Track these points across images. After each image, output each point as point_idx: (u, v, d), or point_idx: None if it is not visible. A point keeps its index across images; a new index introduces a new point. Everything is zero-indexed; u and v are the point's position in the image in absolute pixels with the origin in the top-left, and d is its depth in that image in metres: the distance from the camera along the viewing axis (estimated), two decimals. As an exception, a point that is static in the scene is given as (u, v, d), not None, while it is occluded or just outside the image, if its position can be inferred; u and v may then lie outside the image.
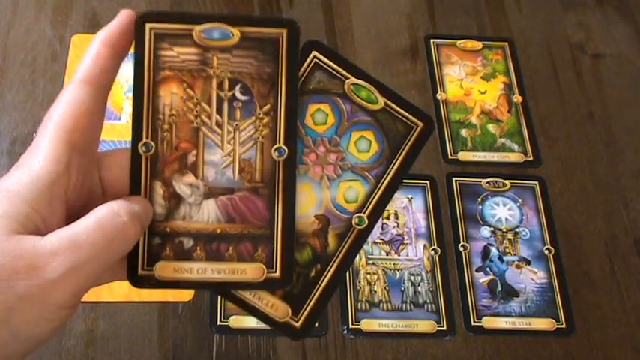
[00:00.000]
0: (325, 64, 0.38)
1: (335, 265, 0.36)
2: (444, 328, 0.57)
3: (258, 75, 0.36)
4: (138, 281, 0.34)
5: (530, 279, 0.59)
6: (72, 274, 0.28)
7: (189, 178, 0.35)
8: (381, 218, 0.57)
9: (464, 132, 0.67)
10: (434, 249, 0.60)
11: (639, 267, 0.61)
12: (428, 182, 0.63)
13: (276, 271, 0.35)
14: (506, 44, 0.73)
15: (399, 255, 0.59)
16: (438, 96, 0.68)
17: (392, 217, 0.61)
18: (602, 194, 0.65)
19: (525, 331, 0.57)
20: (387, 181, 0.38)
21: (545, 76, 0.71)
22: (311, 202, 0.37)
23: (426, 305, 0.57)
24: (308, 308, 0.36)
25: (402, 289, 0.58)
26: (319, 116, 0.38)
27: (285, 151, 0.36)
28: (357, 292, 0.57)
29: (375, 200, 0.37)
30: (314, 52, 0.38)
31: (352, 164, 0.38)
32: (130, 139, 0.35)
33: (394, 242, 0.60)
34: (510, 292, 0.59)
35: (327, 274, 0.36)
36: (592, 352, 0.57)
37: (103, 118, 0.34)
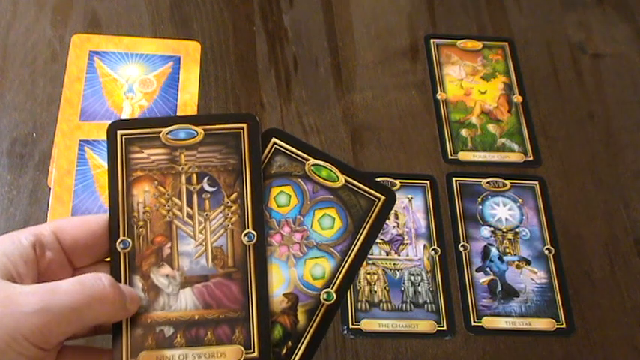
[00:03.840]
0: (285, 149, 0.40)
1: (306, 341, 0.37)
2: (444, 328, 0.57)
3: (223, 167, 0.39)
4: None
5: (530, 279, 0.59)
6: (45, 313, 0.30)
7: (166, 269, 0.37)
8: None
9: (464, 132, 0.67)
10: (434, 249, 0.60)
11: (639, 267, 0.61)
12: (428, 182, 0.63)
13: (254, 352, 0.36)
14: (506, 44, 0.73)
15: (399, 255, 0.59)
16: (438, 96, 0.68)
17: (392, 217, 0.61)
18: (602, 194, 0.65)
19: (525, 331, 0.57)
20: (352, 255, 0.39)
21: (545, 76, 0.71)
22: (279, 281, 0.38)
23: (426, 305, 0.57)
24: None
25: (402, 289, 0.58)
26: (282, 198, 0.40)
27: (254, 235, 0.38)
28: (357, 292, 0.57)
29: (342, 275, 0.38)
30: (273, 139, 0.40)
31: (317, 241, 0.39)
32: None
33: (394, 242, 0.60)
34: (510, 292, 0.59)
35: (298, 350, 0.37)
36: (592, 352, 0.57)
37: (101, 250, 0.37)
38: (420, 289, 0.58)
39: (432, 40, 0.72)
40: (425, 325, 0.57)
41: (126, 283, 0.37)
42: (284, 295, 0.38)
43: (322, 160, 0.40)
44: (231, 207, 0.38)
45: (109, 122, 0.40)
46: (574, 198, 0.64)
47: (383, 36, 0.72)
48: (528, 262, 0.60)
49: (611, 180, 0.66)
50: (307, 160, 0.40)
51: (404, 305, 0.57)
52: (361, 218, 0.39)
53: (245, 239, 0.38)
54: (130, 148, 0.39)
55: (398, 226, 0.61)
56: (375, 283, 0.58)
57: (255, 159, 0.39)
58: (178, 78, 0.65)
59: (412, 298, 0.58)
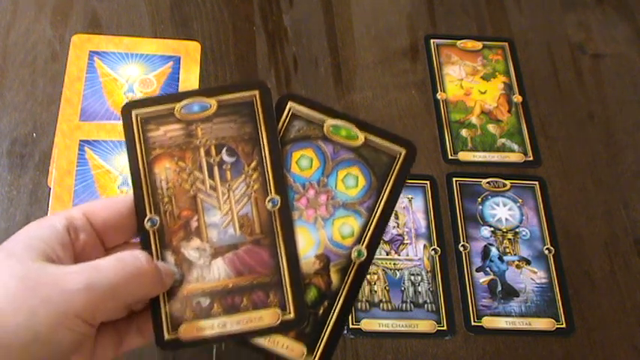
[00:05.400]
0: (302, 112, 0.40)
1: (341, 299, 0.38)
2: (444, 328, 0.57)
3: (240, 136, 0.39)
4: (166, 346, 0.36)
5: (530, 279, 0.59)
6: (90, 290, 0.32)
7: (196, 242, 0.38)
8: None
9: (464, 132, 0.67)
10: (434, 249, 0.60)
11: (639, 267, 0.61)
12: (428, 182, 0.63)
13: (290, 313, 0.37)
14: (506, 44, 0.73)
15: (399, 255, 0.59)
16: (438, 96, 0.68)
17: (392, 217, 0.61)
18: (602, 194, 0.65)
19: (525, 331, 0.57)
20: (379, 211, 0.39)
21: (545, 76, 0.71)
22: (309, 243, 0.39)
23: (426, 305, 0.57)
24: (322, 345, 0.38)
25: (402, 289, 0.58)
26: (304, 162, 0.40)
27: (278, 200, 0.38)
28: (357, 292, 0.57)
29: (370, 231, 0.39)
30: (290, 104, 0.41)
31: (343, 201, 0.39)
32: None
33: (394, 242, 0.60)
34: (510, 292, 0.59)
35: (335, 309, 0.38)
36: (592, 352, 0.57)
37: (129, 229, 0.38)
38: (420, 289, 0.58)
39: (432, 40, 0.72)
40: (425, 325, 0.57)
41: (158, 259, 0.37)
42: (315, 257, 0.38)
43: (340, 119, 0.40)
44: (252, 175, 0.39)
45: (120, 108, 0.39)
46: (574, 198, 0.64)
47: (383, 36, 0.72)
48: (528, 262, 0.60)
49: (611, 180, 0.66)
50: (325, 121, 0.40)
51: (404, 305, 0.57)
52: (384, 174, 0.40)
53: (269, 205, 0.38)
54: (146, 127, 0.39)
55: (398, 226, 0.61)
56: (375, 283, 0.58)
57: (271, 124, 0.39)
58: (178, 78, 0.65)
59: (412, 298, 0.58)
